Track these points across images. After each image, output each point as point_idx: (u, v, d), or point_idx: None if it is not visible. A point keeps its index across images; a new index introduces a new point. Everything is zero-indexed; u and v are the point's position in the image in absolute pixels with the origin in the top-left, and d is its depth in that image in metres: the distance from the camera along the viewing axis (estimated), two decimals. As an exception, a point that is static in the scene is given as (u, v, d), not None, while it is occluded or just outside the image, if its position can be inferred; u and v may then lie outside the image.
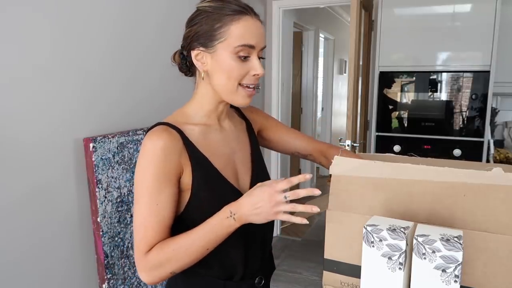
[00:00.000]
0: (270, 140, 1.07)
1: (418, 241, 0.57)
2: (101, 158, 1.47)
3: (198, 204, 0.81)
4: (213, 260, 0.83)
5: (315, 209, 0.72)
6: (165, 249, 0.75)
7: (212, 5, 0.81)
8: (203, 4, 0.82)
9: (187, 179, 0.80)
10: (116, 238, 1.54)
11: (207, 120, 0.88)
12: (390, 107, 2.56)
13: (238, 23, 0.79)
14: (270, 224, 0.97)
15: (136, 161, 1.64)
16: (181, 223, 0.81)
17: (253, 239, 0.89)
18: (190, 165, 0.80)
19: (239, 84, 0.81)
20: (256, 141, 1.00)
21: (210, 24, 0.80)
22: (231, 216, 0.74)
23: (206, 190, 0.81)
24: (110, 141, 1.52)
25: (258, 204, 0.73)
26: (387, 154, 1.01)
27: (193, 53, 0.82)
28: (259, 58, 0.83)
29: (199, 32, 0.81)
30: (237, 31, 0.78)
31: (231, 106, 0.97)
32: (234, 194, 0.82)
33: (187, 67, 0.88)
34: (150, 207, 0.76)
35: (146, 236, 0.76)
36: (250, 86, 0.83)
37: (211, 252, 0.78)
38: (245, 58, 0.80)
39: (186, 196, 0.81)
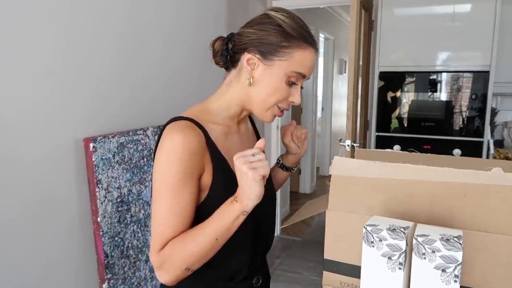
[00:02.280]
0: None
1: (418, 241, 0.57)
2: (101, 158, 1.47)
3: (213, 205, 0.79)
4: (220, 261, 0.83)
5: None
6: (176, 244, 0.74)
7: (287, 21, 0.81)
8: (276, 15, 0.82)
9: (206, 180, 0.80)
10: (116, 238, 1.55)
11: (228, 121, 0.87)
12: (390, 107, 2.57)
13: (304, 51, 0.80)
14: (273, 226, 0.97)
15: (136, 161, 1.64)
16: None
17: (259, 241, 0.90)
18: (211, 166, 0.80)
19: (276, 105, 0.83)
20: (259, 137, 1.01)
21: (279, 39, 0.79)
22: (234, 199, 0.73)
23: (223, 192, 0.80)
24: (110, 141, 1.52)
25: (242, 176, 0.71)
26: (386, 150, 1.01)
27: (246, 56, 0.81)
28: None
29: (263, 40, 0.80)
30: (300, 58, 0.80)
31: None
32: None
33: (226, 59, 0.86)
34: (171, 205, 0.74)
35: (162, 235, 0.74)
36: (283, 109, 0.85)
37: (219, 253, 0.77)
38: (291, 84, 0.82)
39: (202, 195, 0.80)
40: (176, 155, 0.74)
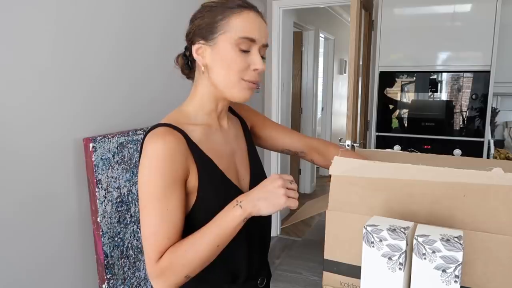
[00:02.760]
0: (258, 136, 1.05)
1: (418, 241, 0.57)
2: (101, 158, 1.47)
3: (204, 206, 0.79)
4: (217, 263, 0.83)
5: None
6: (176, 252, 0.73)
7: (216, 0, 0.81)
8: (208, 1, 0.82)
9: (193, 182, 0.79)
10: (116, 238, 1.54)
11: (207, 119, 0.86)
12: (390, 107, 2.56)
13: (239, 16, 0.79)
14: (268, 225, 0.97)
15: (136, 161, 1.64)
16: (186, 225, 0.80)
17: (253, 240, 0.89)
18: (196, 167, 0.79)
19: (241, 79, 0.80)
20: (251, 139, 1.00)
21: (213, 17, 0.79)
22: (237, 204, 0.74)
23: (212, 192, 0.80)
24: (110, 141, 1.51)
25: (266, 188, 0.73)
26: (386, 150, 1.01)
27: (194, 48, 0.81)
28: (261, 57, 0.82)
29: (200, 26, 0.81)
30: (238, 24, 0.78)
31: None
32: (238, 195, 0.82)
33: (189, 68, 0.87)
34: (161, 213, 0.73)
35: (156, 244, 0.73)
36: (251, 81, 0.81)
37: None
38: (245, 52, 0.79)
39: (192, 198, 0.80)
40: (159, 163, 0.74)
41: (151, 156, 0.74)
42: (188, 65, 0.87)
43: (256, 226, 0.90)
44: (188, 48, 0.85)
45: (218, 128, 0.88)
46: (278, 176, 0.74)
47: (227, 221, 0.74)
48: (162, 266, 0.73)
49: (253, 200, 0.73)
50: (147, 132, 0.80)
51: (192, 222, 0.80)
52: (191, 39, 0.83)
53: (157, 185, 0.73)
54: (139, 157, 0.79)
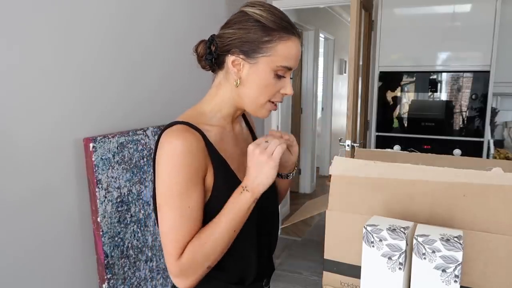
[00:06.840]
0: None
1: (418, 241, 0.57)
2: (101, 158, 1.47)
3: (217, 205, 0.80)
4: (228, 264, 0.83)
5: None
6: (196, 246, 0.74)
7: (264, 14, 0.78)
8: (253, 10, 0.79)
9: (209, 180, 0.80)
10: (116, 238, 1.54)
11: (222, 122, 0.87)
12: (390, 107, 2.57)
13: (286, 43, 0.78)
14: (276, 227, 0.98)
15: (136, 161, 1.64)
16: None
17: (263, 243, 0.90)
18: (212, 166, 0.80)
19: (268, 101, 0.83)
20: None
21: (259, 35, 0.78)
22: (244, 190, 0.76)
23: (226, 191, 0.81)
24: (110, 141, 1.51)
25: (253, 164, 0.76)
26: (386, 150, 1.01)
27: (230, 58, 0.80)
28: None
29: (244, 39, 0.79)
30: (283, 51, 0.78)
31: None
32: None
33: (211, 62, 0.85)
34: (182, 210, 0.74)
35: (178, 240, 0.74)
36: (276, 102, 0.85)
37: (227, 255, 0.78)
38: (280, 77, 0.81)
39: (206, 195, 0.81)
40: (178, 160, 0.74)
41: (170, 153, 0.74)
42: (210, 60, 0.84)
43: (266, 229, 0.91)
44: (219, 50, 0.82)
45: (230, 130, 0.90)
46: (252, 147, 0.77)
47: (240, 206, 0.76)
48: (185, 262, 0.74)
49: (253, 181, 0.76)
50: (163, 129, 0.80)
51: (204, 219, 0.80)
52: (227, 45, 0.80)
53: (178, 182, 0.74)
54: (154, 154, 0.79)
